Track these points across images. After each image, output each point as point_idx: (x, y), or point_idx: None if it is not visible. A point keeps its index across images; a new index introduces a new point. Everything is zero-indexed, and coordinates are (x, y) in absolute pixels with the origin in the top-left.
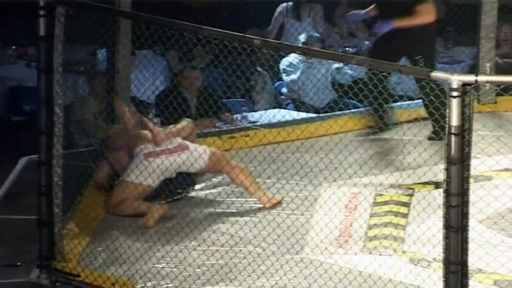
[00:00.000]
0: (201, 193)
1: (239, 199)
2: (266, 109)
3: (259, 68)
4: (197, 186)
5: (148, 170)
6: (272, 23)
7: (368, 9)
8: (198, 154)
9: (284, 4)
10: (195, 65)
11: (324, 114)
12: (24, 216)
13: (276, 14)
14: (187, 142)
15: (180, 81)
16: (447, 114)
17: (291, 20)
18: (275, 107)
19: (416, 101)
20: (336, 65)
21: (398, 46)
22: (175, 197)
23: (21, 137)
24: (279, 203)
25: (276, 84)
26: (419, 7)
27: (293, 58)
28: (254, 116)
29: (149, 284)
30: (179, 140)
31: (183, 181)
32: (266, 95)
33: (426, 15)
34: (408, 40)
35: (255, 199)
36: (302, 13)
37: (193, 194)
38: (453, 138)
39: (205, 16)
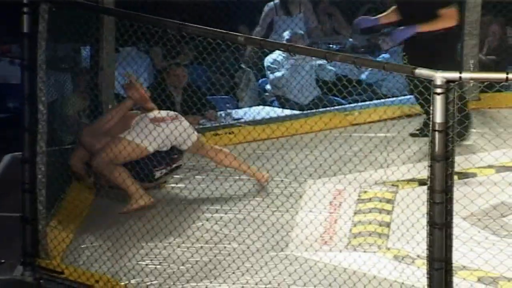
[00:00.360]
0: (186, 191)
1: (223, 196)
2: (250, 106)
3: (243, 65)
4: (181, 184)
5: (154, 134)
6: (260, 23)
7: (381, 15)
8: (191, 130)
9: (271, 3)
10: (179, 62)
11: (309, 111)
12: (8, 213)
13: (263, 14)
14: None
15: (165, 79)
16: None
17: (283, 17)
18: (259, 104)
19: (400, 98)
20: (319, 62)
21: (422, 56)
22: (171, 169)
23: (5, 134)
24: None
25: (260, 81)
26: (443, 11)
27: (277, 55)
28: (238, 113)
29: (133, 281)
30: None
31: (174, 155)
32: (250, 92)
33: (448, 20)
34: (430, 47)
35: (239, 196)
36: (292, 9)
37: (177, 191)
38: (437, 135)
39: (190, 14)
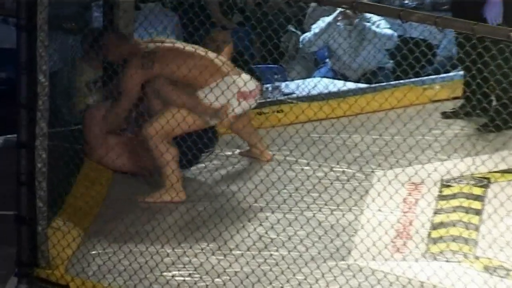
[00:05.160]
0: (222, 183)
1: (270, 191)
2: (303, 78)
3: (291, 27)
4: (218, 176)
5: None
6: None
7: None
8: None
9: None
10: (225, 25)
11: (378, 85)
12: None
13: None
14: None
15: (205, 44)
16: None
17: None
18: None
19: None
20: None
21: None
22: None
23: None
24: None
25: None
26: None
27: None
28: (289, 86)
29: None
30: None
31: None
32: (301, 60)
33: None
34: None
35: (289, 190)
36: None
37: (211, 183)
38: None
39: None
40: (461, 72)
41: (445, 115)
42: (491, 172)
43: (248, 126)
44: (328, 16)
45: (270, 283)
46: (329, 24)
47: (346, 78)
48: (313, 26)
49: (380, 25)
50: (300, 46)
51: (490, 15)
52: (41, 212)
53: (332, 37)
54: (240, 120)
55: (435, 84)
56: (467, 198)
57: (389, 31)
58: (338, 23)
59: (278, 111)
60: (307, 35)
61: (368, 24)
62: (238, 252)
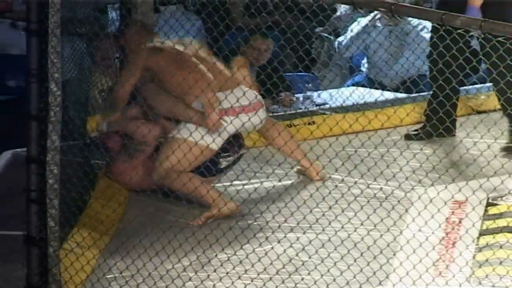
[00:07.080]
0: (250, 202)
1: (301, 209)
2: (338, 87)
3: (322, 32)
4: (244, 194)
5: (221, 132)
6: None
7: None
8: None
9: None
10: (265, 33)
11: (418, 94)
12: (7, 231)
13: None
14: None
15: (244, 52)
16: None
17: None
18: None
19: None
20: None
21: None
22: (238, 156)
23: (3, 124)
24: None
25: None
26: None
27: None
28: (321, 96)
29: None
30: (254, 92)
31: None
32: (335, 68)
33: None
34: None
35: (322, 209)
36: None
37: (237, 200)
38: None
39: None
40: None
41: (408, 136)
42: None
43: (290, 142)
44: (364, 17)
45: None
46: (366, 25)
47: (383, 87)
48: (351, 27)
49: (422, 28)
50: (336, 50)
51: None
52: (52, 232)
53: (371, 40)
54: (281, 135)
55: (481, 94)
56: None
57: (427, 35)
58: (378, 23)
59: (309, 123)
60: (342, 38)
61: (409, 26)
62: (267, 276)
